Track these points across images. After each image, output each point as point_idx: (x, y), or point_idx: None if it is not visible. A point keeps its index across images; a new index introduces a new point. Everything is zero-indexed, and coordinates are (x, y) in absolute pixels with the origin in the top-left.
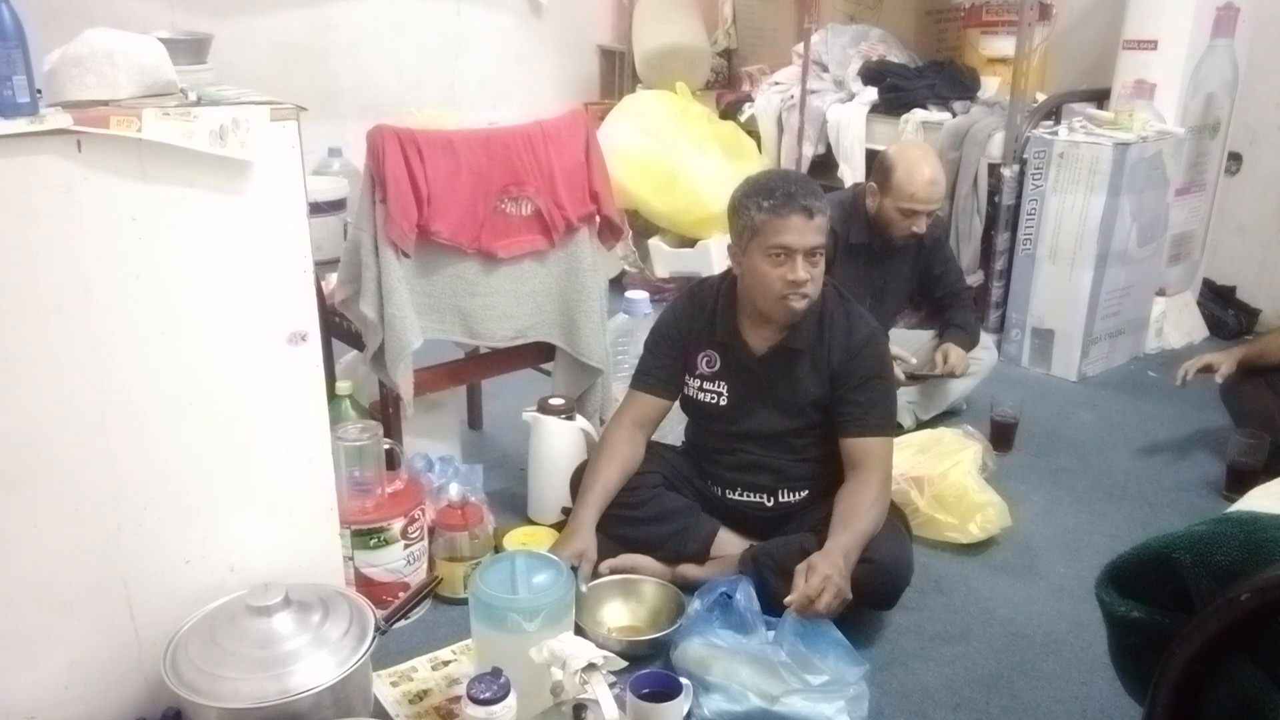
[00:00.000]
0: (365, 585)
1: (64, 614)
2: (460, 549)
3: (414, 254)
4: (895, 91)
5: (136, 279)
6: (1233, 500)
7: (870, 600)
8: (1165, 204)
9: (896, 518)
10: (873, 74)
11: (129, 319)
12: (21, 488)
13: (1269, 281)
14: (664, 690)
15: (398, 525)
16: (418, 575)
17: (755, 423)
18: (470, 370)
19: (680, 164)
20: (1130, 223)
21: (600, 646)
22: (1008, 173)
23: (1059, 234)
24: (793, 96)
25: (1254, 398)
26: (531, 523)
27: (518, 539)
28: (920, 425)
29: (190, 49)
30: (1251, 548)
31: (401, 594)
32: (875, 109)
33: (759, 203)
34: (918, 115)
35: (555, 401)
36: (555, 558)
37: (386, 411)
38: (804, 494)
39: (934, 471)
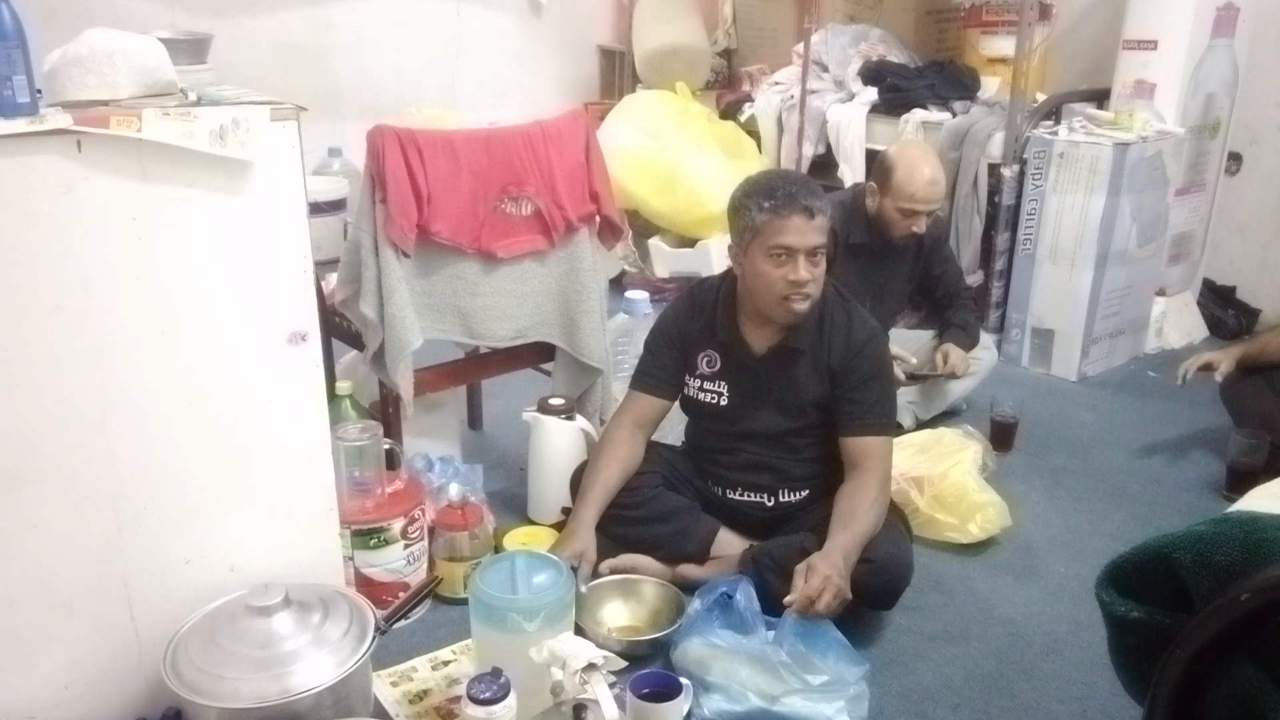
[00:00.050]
0: (365, 585)
1: (64, 614)
2: (460, 549)
3: (414, 254)
4: (895, 91)
5: (136, 279)
6: (1233, 500)
7: (870, 600)
8: (1165, 204)
9: (896, 518)
10: (873, 74)
11: (129, 319)
12: (21, 488)
13: (1269, 281)
14: (664, 690)
15: (398, 525)
16: (418, 575)
17: (755, 422)
18: (470, 370)
19: (680, 164)
20: (1130, 223)
21: (600, 646)
22: (1008, 173)
23: (1059, 234)
24: (793, 96)
25: (1254, 397)
26: (531, 523)
27: (518, 539)
28: (920, 425)
29: (190, 49)
30: (1251, 548)
31: (401, 594)
32: (875, 109)
33: (760, 203)
34: (918, 115)
35: (555, 401)
36: (555, 558)
37: (386, 411)
38: (804, 494)
39: (934, 471)
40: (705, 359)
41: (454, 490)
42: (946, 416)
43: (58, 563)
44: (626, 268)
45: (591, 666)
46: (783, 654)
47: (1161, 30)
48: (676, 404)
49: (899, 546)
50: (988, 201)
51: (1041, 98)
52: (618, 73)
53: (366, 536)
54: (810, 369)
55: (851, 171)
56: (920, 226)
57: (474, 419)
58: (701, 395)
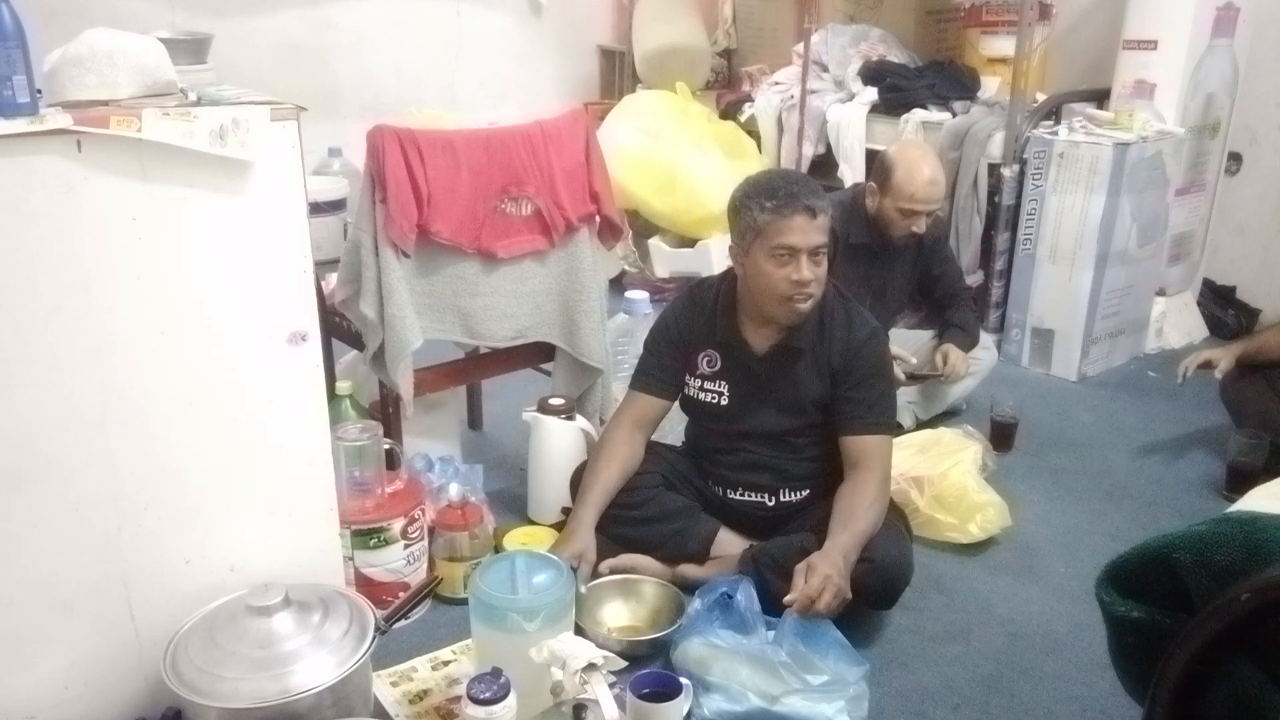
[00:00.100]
0: (365, 585)
1: (64, 614)
2: (460, 549)
3: (414, 254)
4: (895, 91)
5: (136, 279)
6: (1233, 500)
7: (870, 599)
8: (1165, 204)
9: (896, 517)
10: (873, 74)
11: (129, 319)
12: (21, 488)
13: (1269, 281)
14: (664, 690)
15: (398, 525)
16: (418, 575)
17: (756, 422)
18: (470, 370)
19: (680, 164)
20: (1130, 223)
21: (600, 646)
22: (1008, 173)
23: (1059, 234)
24: (793, 96)
25: (1254, 397)
26: (531, 523)
27: (518, 539)
28: (920, 425)
29: (190, 49)
30: (1251, 548)
31: (401, 594)
32: (875, 109)
33: (761, 203)
34: (918, 115)
35: (555, 401)
36: (555, 558)
37: (386, 411)
38: (805, 493)
39: (934, 471)
40: (705, 359)
41: (454, 490)
42: (946, 416)
43: (58, 563)
44: (626, 268)
45: (591, 666)
46: (783, 654)
47: (1161, 30)
48: (676, 404)
49: (899, 546)
50: (988, 201)
51: (1041, 98)
52: (618, 73)
53: (366, 536)
54: (811, 368)
55: (851, 171)
56: (920, 226)
57: (474, 419)
58: (702, 395)
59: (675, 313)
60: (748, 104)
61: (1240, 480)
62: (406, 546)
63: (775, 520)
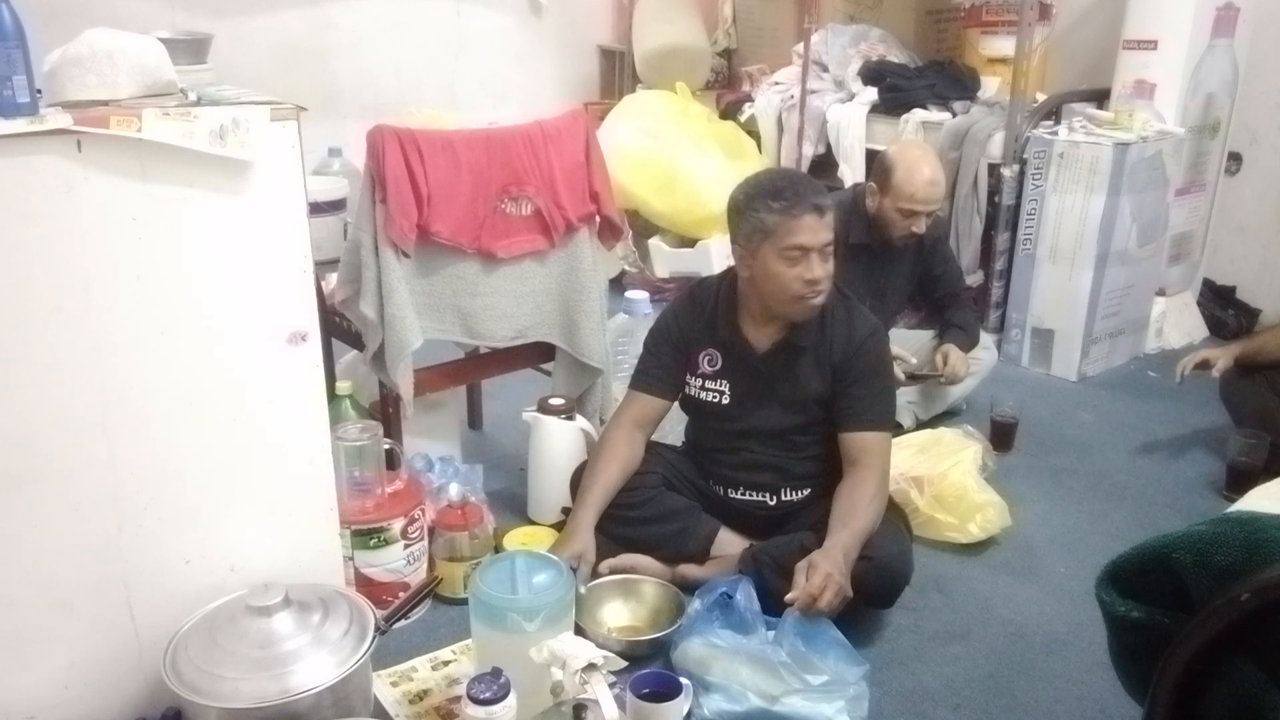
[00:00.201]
0: (365, 585)
1: (64, 614)
2: (460, 549)
3: (414, 254)
4: (895, 91)
5: (136, 279)
6: (1233, 500)
7: (870, 598)
8: (1165, 204)
9: (896, 516)
10: (873, 74)
11: (129, 319)
12: (21, 488)
13: (1269, 281)
14: (664, 690)
15: (398, 525)
16: (418, 575)
17: (757, 420)
18: (470, 370)
19: (680, 164)
20: (1130, 223)
21: (600, 646)
22: (1008, 173)
23: (1059, 234)
24: (793, 96)
25: (1254, 397)
26: (531, 523)
27: (518, 539)
28: (920, 425)
29: (190, 49)
30: (1251, 548)
31: (401, 594)
32: (875, 109)
33: (769, 204)
34: (918, 115)
35: (555, 401)
36: (555, 558)
37: (386, 411)
38: (806, 492)
39: (934, 471)
40: (706, 358)
41: (454, 490)
42: (946, 416)
43: (58, 563)
44: (626, 268)
45: (591, 666)
46: (783, 654)
47: (1161, 30)
48: (676, 404)
49: (899, 544)
50: (988, 201)
51: (1041, 98)
52: (618, 73)
53: (366, 536)
54: (813, 365)
55: (851, 171)
56: (920, 227)
57: (474, 419)
58: (703, 394)
59: (675, 313)
60: (748, 104)
61: (1240, 480)
62: (406, 546)
63: (776, 519)
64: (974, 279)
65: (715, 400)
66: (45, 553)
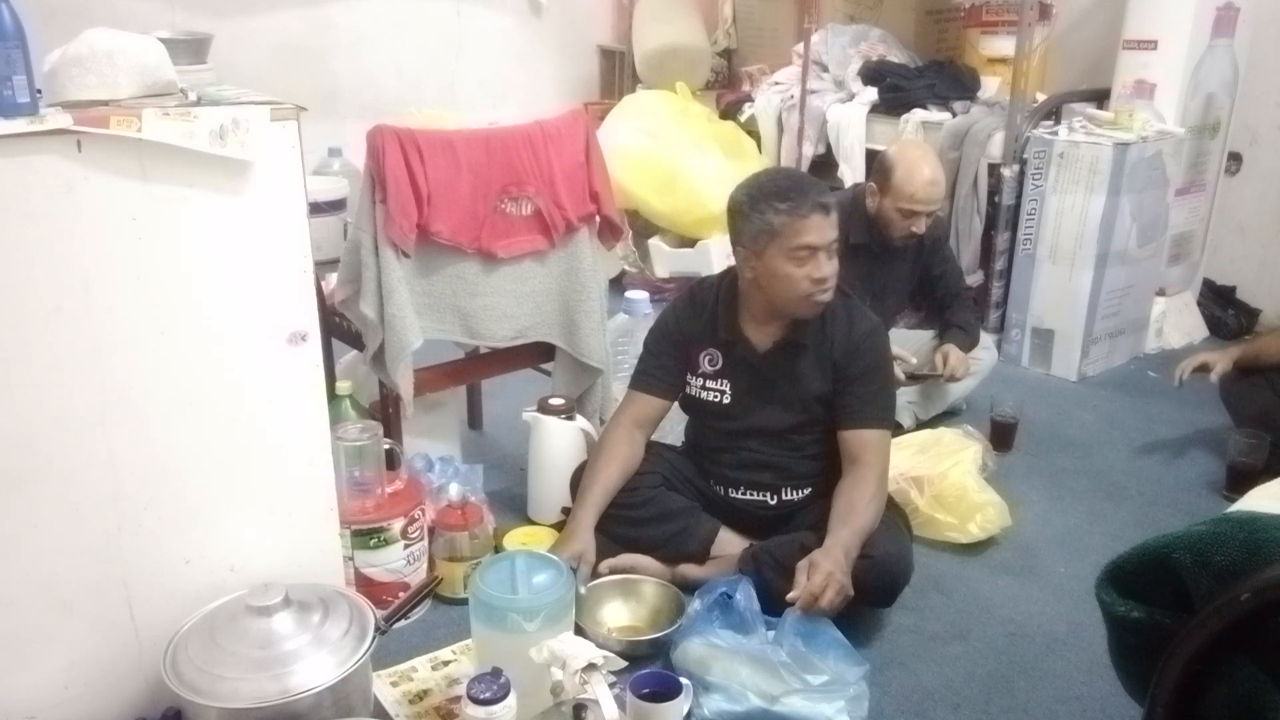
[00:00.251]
0: (365, 585)
1: (64, 614)
2: (460, 549)
3: (414, 254)
4: (895, 91)
5: (136, 279)
6: (1233, 500)
7: (870, 597)
8: (1165, 204)
9: (896, 515)
10: (873, 74)
11: (129, 319)
12: (21, 488)
13: (1269, 281)
14: (664, 690)
15: (398, 525)
16: (418, 575)
17: (758, 419)
18: (470, 370)
19: (680, 164)
20: (1130, 223)
21: (600, 646)
22: (1008, 173)
23: (1059, 234)
24: (793, 96)
25: (1254, 397)
26: (531, 523)
27: (518, 539)
28: (920, 425)
29: (190, 49)
30: (1251, 548)
31: (401, 594)
32: (875, 109)
33: (775, 205)
34: (918, 115)
35: (555, 401)
36: (555, 558)
37: (386, 411)
38: (807, 491)
39: (934, 471)
40: (707, 357)
41: (454, 490)
42: (946, 416)
43: (58, 563)
44: (626, 268)
45: (591, 666)
46: (783, 654)
47: (1161, 30)
48: (676, 404)
49: (899, 543)
50: (988, 201)
51: (1041, 98)
52: (618, 73)
53: (366, 536)
54: (814, 364)
55: (851, 171)
56: (920, 227)
57: (474, 419)
58: (704, 394)
59: (675, 312)
60: (748, 104)
61: (1240, 480)
62: (406, 546)
63: (777, 519)
64: (974, 279)
65: (716, 400)
66: (45, 553)
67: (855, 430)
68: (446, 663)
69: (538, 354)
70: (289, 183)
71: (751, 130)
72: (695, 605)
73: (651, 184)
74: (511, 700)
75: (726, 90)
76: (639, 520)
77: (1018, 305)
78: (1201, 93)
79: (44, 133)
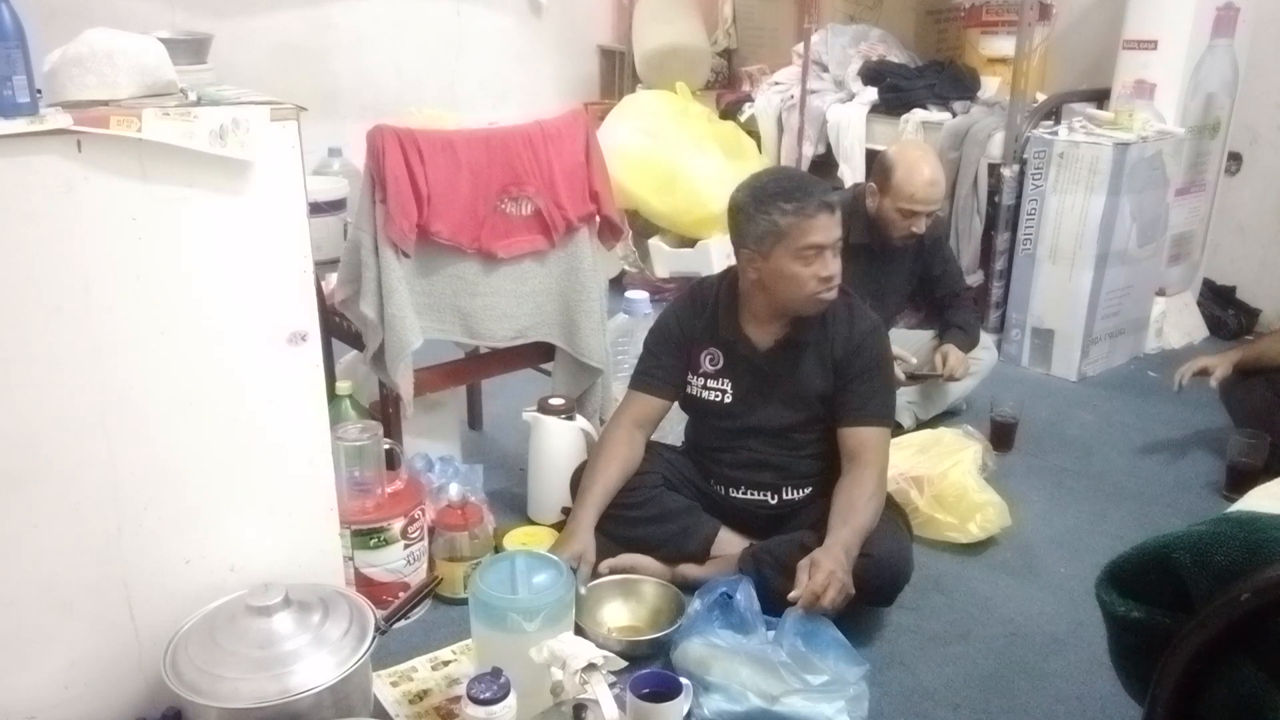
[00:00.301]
0: (365, 585)
1: (64, 614)
2: (460, 549)
3: (414, 254)
4: (895, 91)
5: (136, 279)
6: (1233, 500)
7: (870, 596)
8: (1165, 204)
9: (896, 514)
10: (873, 74)
11: (129, 319)
12: (21, 488)
13: (1269, 281)
14: (664, 690)
15: (398, 525)
16: (418, 575)
17: (759, 418)
18: (470, 370)
19: (680, 164)
20: (1130, 223)
21: (600, 646)
22: (1008, 173)
23: (1059, 234)
24: (793, 96)
25: (1254, 398)
26: (531, 523)
27: (518, 539)
28: (920, 425)
29: (190, 49)
30: (1251, 548)
31: (401, 594)
32: (875, 109)
33: (781, 206)
34: (918, 115)
35: (555, 401)
36: (555, 557)
37: (386, 411)
38: (807, 491)
39: (934, 471)
40: (708, 357)
41: (454, 490)
42: (946, 416)
43: (58, 563)
44: (626, 268)
45: (591, 666)
46: (783, 654)
47: (1161, 30)
48: (677, 404)
49: (898, 542)
50: (988, 201)
51: (1041, 98)
52: (618, 73)
53: (366, 536)
54: (815, 362)
55: (851, 171)
56: (920, 227)
57: (474, 419)
58: (705, 393)
59: (676, 312)
60: (748, 104)
61: (1240, 480)
62: (406, 546)
63: (778, 519)
64: (974, 279)
65: (717, 399)
66: (45, 553)
67: (855, 428)
68: (446, 663)
69: (538, 354)
70: (289, 183)
71: (751, 130)
72: (695, 605)
73: (651, 184)
74: (511, 700)
75: (726, 90)
76: (639, 520)
77: (1018, 305)
78: (1201, 93)
79: (44, 133)
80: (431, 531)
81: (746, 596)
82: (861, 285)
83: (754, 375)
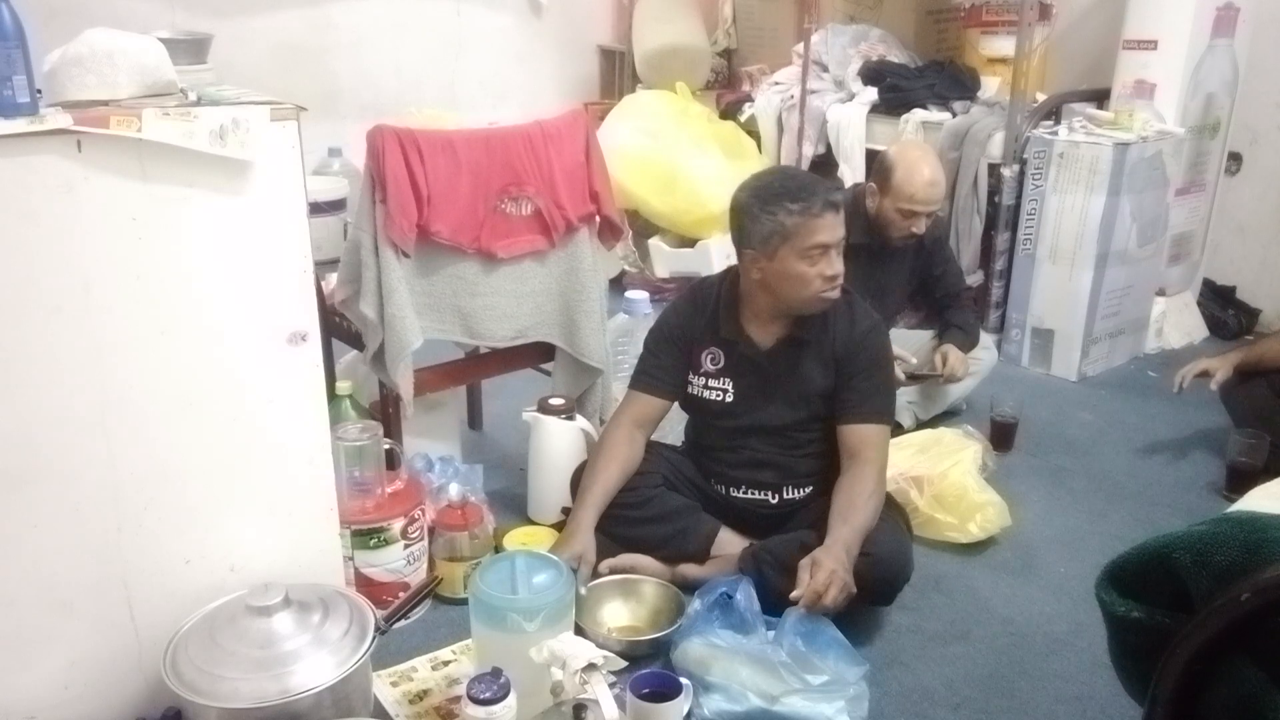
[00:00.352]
0: (365, 585)
1: (64, 614)
2: (460, 549)
3: (414, 254)
4: (895, 91)
5: (136, 279)
6: (1233, 500)
7: (869, 594)
8: (1165, 204)
9: (896, 513)
10: (873, 74)
11: (129, 319)
12: (21, 488)
13: (1269, 281)
14: (664, 690)
15: (398, 525)
16: (418, 575)
17: (761, 417)
18: (470, 370)
19: (680, 164)
20: (1130, 223)
21: (600, 646)
22: (1008, 173)
23: (1059, 234)
24: (793, 96)
25: (1254, 398)
26: (531, 523)
27: (518, 539)
28: (920, 425)
29: (190, 49)
30: (1251, 548)
31: (401, 594)
32: (875, 109)
33: (787, 207)
34: (918, 115)
35: (555, 401)
36: (555, 557)
37: (386, 411)
38: (808, 490)
39: (934, 471)
40: (709, 356)
41: (454, 490)
42: (946, 416)
43: (58, 563)
44: (626, 268)
45: (591, 666)
46: (783, 654)
47: (1161, 30)
48: (676, 404)
49: (898, 541)
50: (988, 201)
51: (1041, 98)
52: (618, 73)
53: (366, 536)
54: (816, 360)
55: (851, 171)
56: (920, 227)
57: (474, 419)
58: (706, 393)
59: (676, 312)
60: (748, 104)
61: (1240, 480)
62: (406, 546)
63: (778, 518)
64: (974, 279)
65: (719, 398)
66: (45, 553)
67: (855, 425)
68: (446, 663)
69: (538, 354)
70: (289, 183)
71: (751, 130)
72: (695, 605)
73: (651, 184)
74: (511, 700)
75: (726, 90)
76: (639, 520)
77: (1018, 305)
78: (1201, 93)
79: (44, 133)
80: (431, 531)
81: (746, 596)
82: (861, 285)
83: (755, 374)
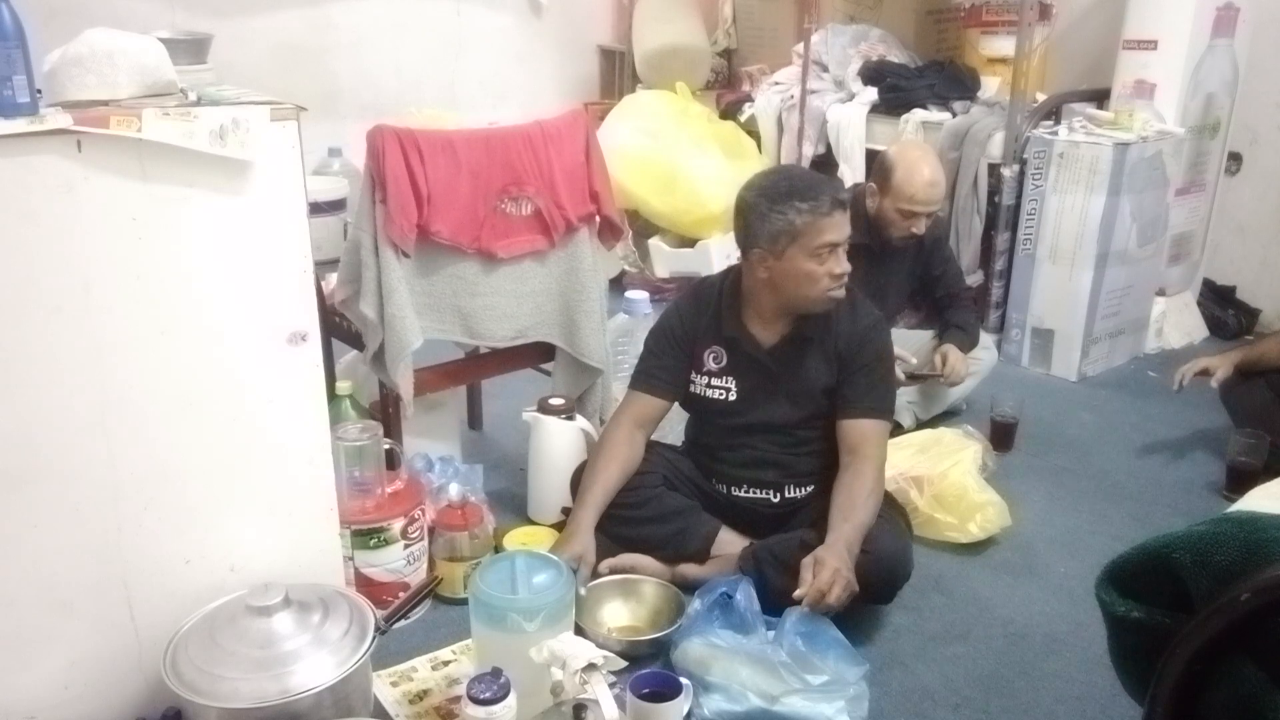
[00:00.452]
0: (365, 585)
1: (64, 614)
2: (460, 549)
3: (414, 254)
4: (895, 91)
5: (136, 279)
6: (1233, 500)
7: (869, 593)
8: (1165, 204)
9: (896, 513)
10: (873, 74)
11: (129, 319)
12: (21, 488)
13: (1269, 281)
14: (664, 690)
15: (398, 525)
16: (418, 575)
17: (764, 415)
18: (470, 370)
19: (680, 164)
20: (1130, 223)
21: (600, 646)
22: (1008, 173)
23: (1059, 234)
24: (793, 96)
25: (1254, 398)
26: (531, 523)
27: (518, 539)
28: (920, 425)
29: (190, 49)
30: (1251, 548)
31: (401, 594)
32: (875, 109)
33: (796, 205)
34: (918, 115)
35: (555, 401)
36: (555, 557)
37: (386, 411)
38: (810, 489)
39: (934, 471)
40: (712, 355)
41: (454, 490)
42: (946, 416)
43: (58, 563)
44: (626, 268)
45: (591, 666)
46: (783, 654)
47: (1161, 30)
48: (676, 404)
49: (898, 539)
50: (988, 201)
51: (1041, 98)
52: (618, 73)
53: (366, 536)
54: (819, 357)
55: (851, 171)
56: (920, 227)
57: (474, 419)
58: (709, 392)
59: (678, 311)
60: (748, 104)
61: (1240, 480)
62: (406, 546)
63: (779, 517)
64: (974, 279)
65: (721, 397)
66: (45, 553)
67: (854, 420)
68: (446, 663)
69: (538, 354)
70: (289, 183)
71: (751, 130)
72: (695, 605)
73: (651, 184)
74: (511, 700)
75: (726, 90)
76: (639, 520)
77: (1018, 305)
78: (1201, 93)
79: (44, 133)
80: (431, 531)
81: (746, 596)
82: (861, 285)
83: (758, 373)
